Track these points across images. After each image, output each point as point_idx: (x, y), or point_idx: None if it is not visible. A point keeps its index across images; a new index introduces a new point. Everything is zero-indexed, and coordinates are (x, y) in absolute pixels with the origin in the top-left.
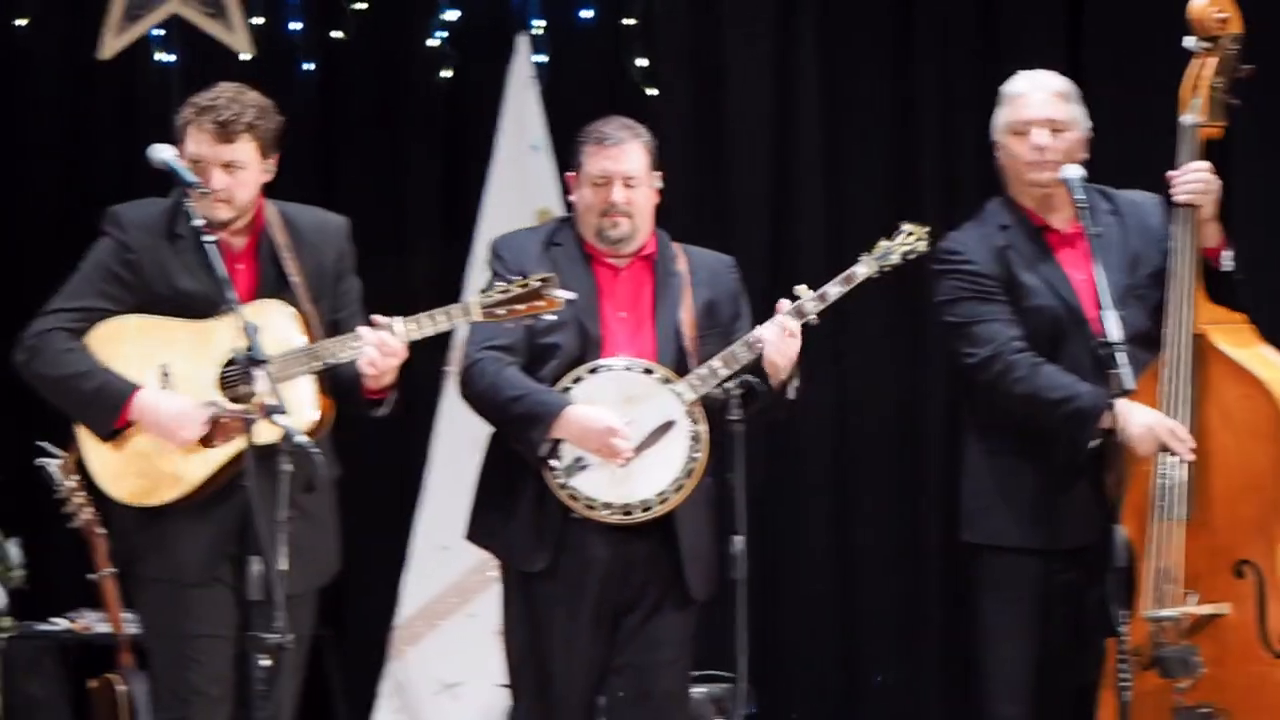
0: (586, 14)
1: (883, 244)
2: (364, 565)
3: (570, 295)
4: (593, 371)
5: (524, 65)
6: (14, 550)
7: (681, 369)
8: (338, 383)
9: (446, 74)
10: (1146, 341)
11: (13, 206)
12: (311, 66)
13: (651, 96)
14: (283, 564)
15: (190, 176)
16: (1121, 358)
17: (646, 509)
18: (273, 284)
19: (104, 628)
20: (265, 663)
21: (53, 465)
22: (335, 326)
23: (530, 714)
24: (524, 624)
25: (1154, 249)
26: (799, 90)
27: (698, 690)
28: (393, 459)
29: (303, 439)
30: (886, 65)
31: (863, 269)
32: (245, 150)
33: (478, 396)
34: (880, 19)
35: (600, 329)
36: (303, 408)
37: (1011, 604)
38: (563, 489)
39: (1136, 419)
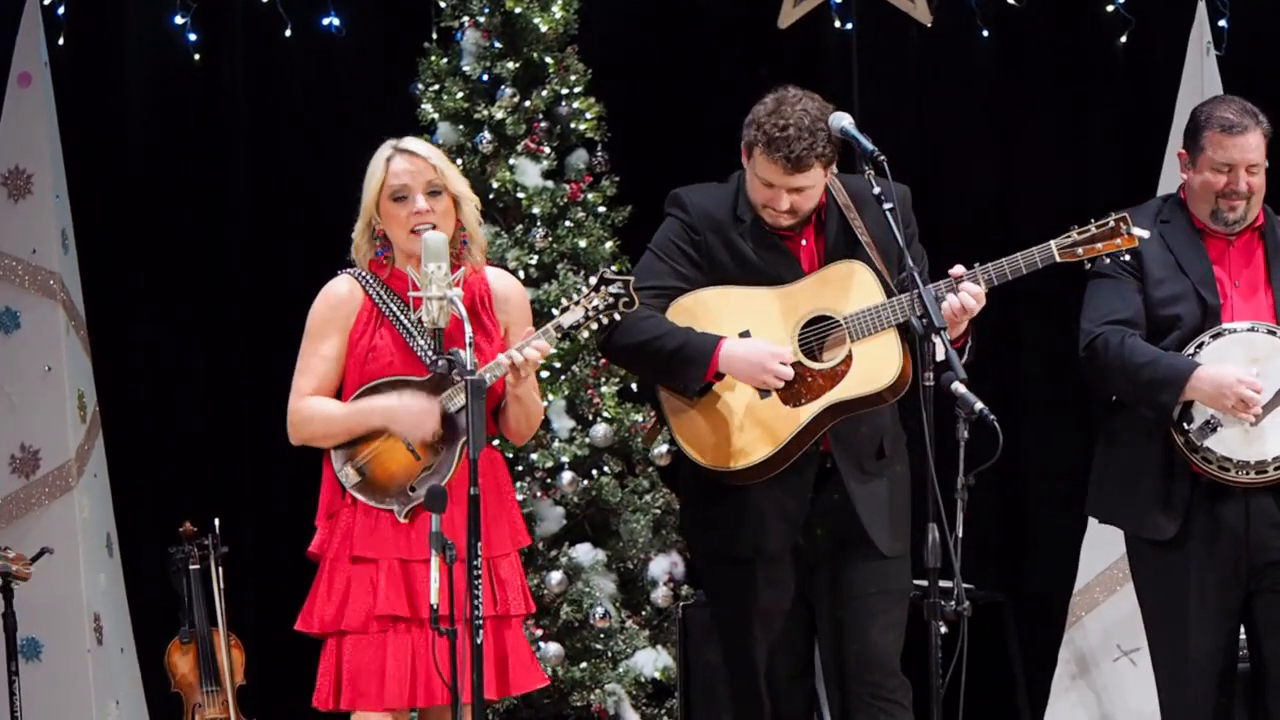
0: None
1: None
2: (1041, 532)
3: (1144, 233)
4: (1215, 336)
5: (1203, 30)
6: None
7: None
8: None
9: (1123, 39)
10: None
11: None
12: (988, 34)
13: None
14: (960, 532)
15: (868, 145)
16: None
17: (1279, 465)
18: (841, 248)
19: None
20: (943, 630)
21: None
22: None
23: (1171, 681)
24: (1157, 593)
25: None
26: None
27: None
28: (1062, 431)
29: (981, 406)
30: None
31: None
32: (814, 175)
33: (1105, 368)
34: None
35: (1219, 298)
36: (888, 363)
37: None
38: (1194, 453)
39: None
